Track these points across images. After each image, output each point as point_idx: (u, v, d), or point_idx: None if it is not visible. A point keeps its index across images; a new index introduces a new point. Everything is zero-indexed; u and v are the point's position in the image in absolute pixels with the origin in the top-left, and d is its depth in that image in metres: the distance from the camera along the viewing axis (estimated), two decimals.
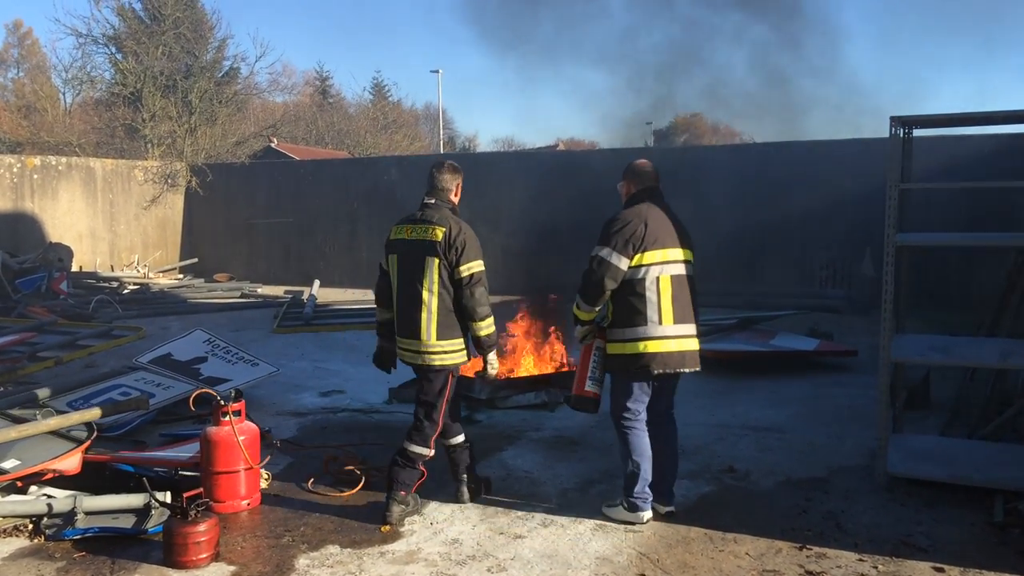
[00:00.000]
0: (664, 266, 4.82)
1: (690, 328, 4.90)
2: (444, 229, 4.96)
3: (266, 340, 11.49)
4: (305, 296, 15.51)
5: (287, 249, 19.00)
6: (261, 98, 28.34)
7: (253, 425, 5.45)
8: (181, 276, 18.98)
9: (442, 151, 42.28)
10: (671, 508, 5.07)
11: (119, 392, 7.20)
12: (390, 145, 36.46)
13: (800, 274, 13.98)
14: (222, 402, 5.28)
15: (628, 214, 4.91)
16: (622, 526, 4.94)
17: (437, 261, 4.95)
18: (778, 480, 5.71)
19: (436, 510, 5.23)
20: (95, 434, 5.76)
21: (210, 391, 5.49)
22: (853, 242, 13.53)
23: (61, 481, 5.44)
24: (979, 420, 6.52)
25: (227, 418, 5.26)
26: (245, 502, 5.28)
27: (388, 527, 4.95)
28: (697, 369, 4.93)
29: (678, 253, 4.90)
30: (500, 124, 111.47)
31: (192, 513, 4.51)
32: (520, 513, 5.17)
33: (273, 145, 26.39)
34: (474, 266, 4.99)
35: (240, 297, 16.31)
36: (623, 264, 4.78)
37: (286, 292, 16.74)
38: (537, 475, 5.86)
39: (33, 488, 5.36)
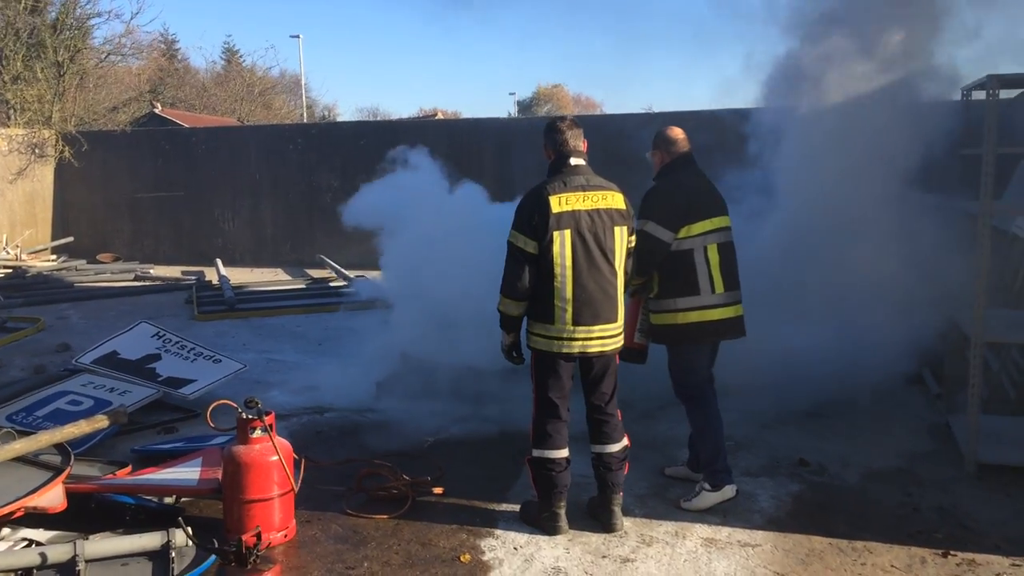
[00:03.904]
0: (712, 234, 4.71)
1: (738, 295, 4.82)
2: (622, 194, 4.40)
3: (189, 329, 10.18)
4: (211, 278, 14.14)
5: (178, 226, 17.31)
6: (125, 62, 25.90)
7: (284, 440, 4.54)
8: (55, 257, 17.05)
9: (305, 120, 40.31)
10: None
11: (67, 400, 6.02)
12: (268, 114, 34.40)
13: None
14: (248, 416, 4.36)
15: (669, 184, 4.77)
16: (735, 540, 4.36)
17: (626, 230, 4.37)
18: (860, 473, 5.25)
19: (510, 530, 4.50)
20: (72, 458, 4.68)
21: (229, 402, 4.51)
22: None
23: (32, 519, 4.37)
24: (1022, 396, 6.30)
25: (256, 434, 4.35)
26: (281, 533, 4.39)
27: (465, 559, 4.19)
28: (744, 336, 4.86)
29: (721, 221, 4.79)
30: (361, 93, 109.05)
31: (252, 560, 3.62)
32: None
33: (158, 111, 24.15)
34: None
35: (135, 280, 14.72)
36: (668, 236, 4.63)
37: (184, 273, 15.23)
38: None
39: (6, 531, 4.27)
